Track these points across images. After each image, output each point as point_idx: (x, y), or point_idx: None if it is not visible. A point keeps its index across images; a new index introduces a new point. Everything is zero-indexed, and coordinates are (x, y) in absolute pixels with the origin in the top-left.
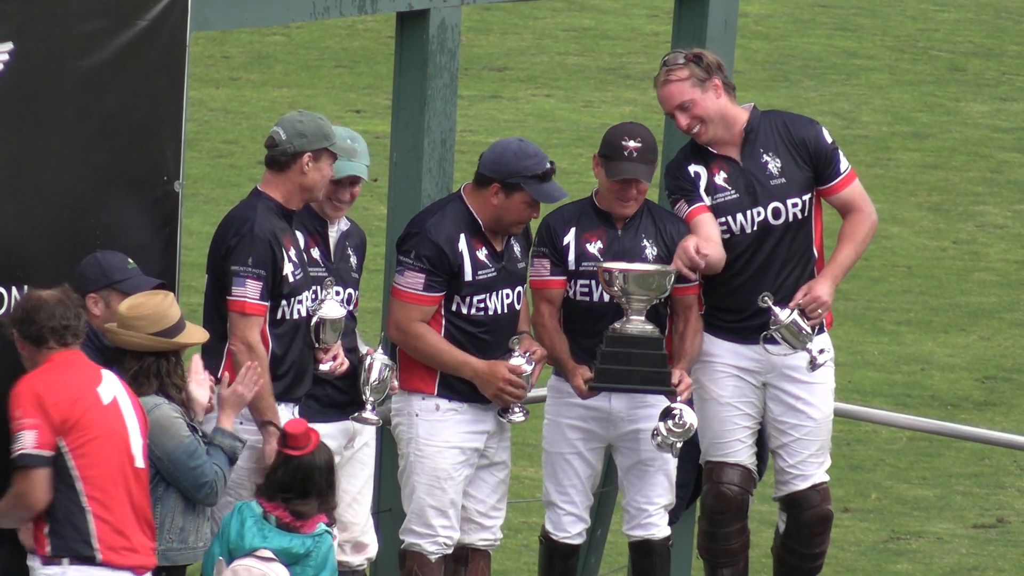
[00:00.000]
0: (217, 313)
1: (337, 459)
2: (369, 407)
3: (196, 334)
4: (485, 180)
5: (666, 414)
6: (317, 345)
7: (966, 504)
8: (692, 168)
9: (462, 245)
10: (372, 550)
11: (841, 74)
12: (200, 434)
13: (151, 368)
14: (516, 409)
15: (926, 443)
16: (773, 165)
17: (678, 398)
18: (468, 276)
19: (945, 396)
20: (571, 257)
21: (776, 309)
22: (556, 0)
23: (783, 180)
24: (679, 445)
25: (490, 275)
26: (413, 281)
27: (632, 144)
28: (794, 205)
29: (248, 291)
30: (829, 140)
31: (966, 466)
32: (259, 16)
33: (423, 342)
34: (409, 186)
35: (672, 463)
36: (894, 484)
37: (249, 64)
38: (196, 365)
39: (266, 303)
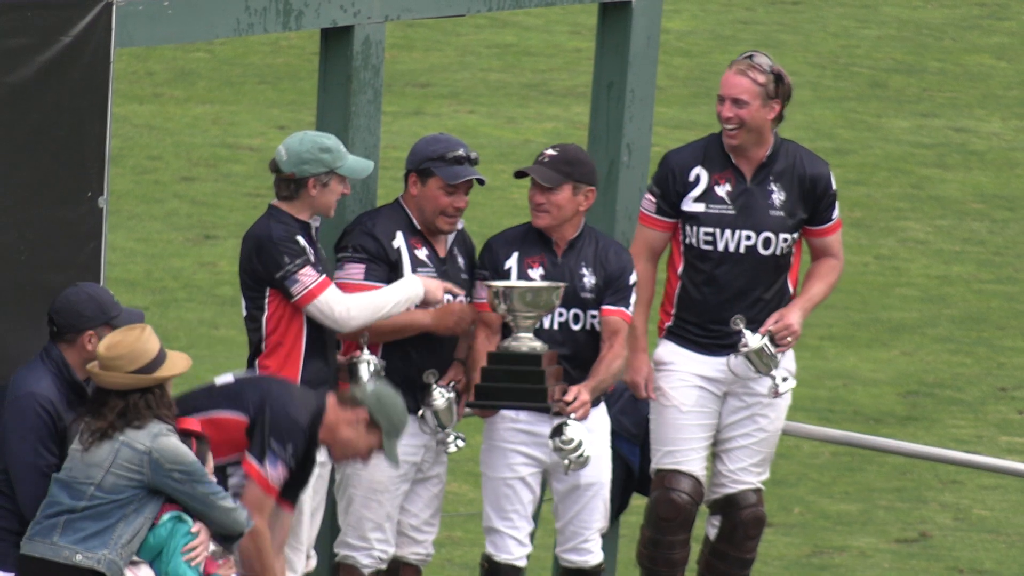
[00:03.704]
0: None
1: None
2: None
3: (179, 363)
4: (406, 174)
5: (556, 431)
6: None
7: (888, 519)
8: (695, 171)
9: (398, 241)
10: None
11: None
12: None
13: (139, 403)
14: (451, 439)
15: (848, 458)
16: (778, 197)
17: (572, 415)
18: (407, 272)
19: (868, 411)
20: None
21: (747, 333)
22: (479, 17)
23: (782, 213)
24: (566, 462)
25: (431, 274)
26: (353, 271)
27: (548, 151)
28: (784, 240)
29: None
30: (834, 185)
31: (888, 481)
32: (183, 32)
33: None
34: None
35: (606, 488)
36: (817, 499)
37: (173, 80)
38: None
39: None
